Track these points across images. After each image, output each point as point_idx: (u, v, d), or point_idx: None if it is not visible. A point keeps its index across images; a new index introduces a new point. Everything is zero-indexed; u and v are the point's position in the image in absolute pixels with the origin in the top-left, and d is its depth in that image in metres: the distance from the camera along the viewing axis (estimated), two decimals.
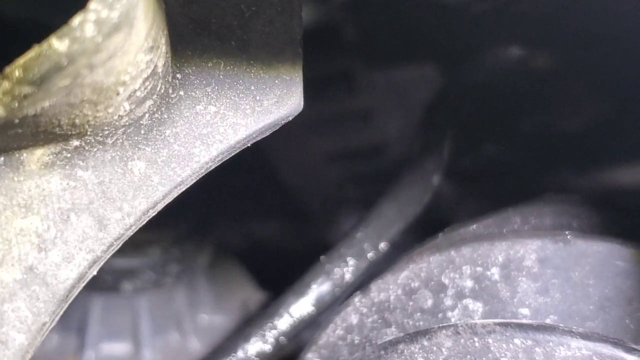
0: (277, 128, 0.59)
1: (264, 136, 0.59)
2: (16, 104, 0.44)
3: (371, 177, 1.06)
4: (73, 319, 0.99)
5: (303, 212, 1.37)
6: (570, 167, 1.17)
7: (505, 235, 0.70)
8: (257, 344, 0.73)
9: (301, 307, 0.74)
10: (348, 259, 0.76)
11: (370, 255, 0.77)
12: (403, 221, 0.80)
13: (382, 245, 0.77)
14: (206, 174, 1.15)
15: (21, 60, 0.43)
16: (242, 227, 1.45)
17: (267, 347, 0.73)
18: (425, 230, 0.85)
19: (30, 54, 0.42)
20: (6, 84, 0.43)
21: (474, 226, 0.79)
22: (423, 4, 1.06)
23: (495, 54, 1.04)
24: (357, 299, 0.67)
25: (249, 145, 0.59)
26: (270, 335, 0.73)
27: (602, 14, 0.86)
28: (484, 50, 1.05)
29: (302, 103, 0.59)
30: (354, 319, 0.67)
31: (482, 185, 1.27)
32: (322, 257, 0.76)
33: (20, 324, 0.50)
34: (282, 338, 0.73)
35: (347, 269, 0.75)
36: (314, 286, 0.74)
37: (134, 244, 0.97)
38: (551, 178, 1.15)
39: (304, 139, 1.24)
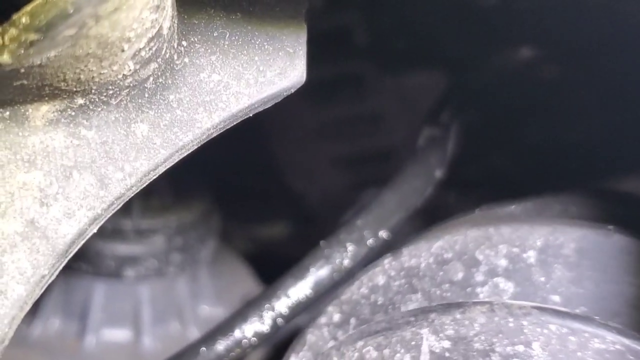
0: (279, 100, 0.60)
1: (265, 107, 0.60)
2: (22, 52, 0.45)
3: (379, 182, 1.06)
4: (75, 304, 1.00)
5: (310, 216, 1.38)
6: (576, 178, 1.18)
7: (545, 220, 0.70)
8: (254, 325, 0.73)
9: (299, 290, 0.74)
10: (347, 244, 0.76)
11: (369, 242, 0.77)
12: (404, 211, 0.81)
13: (382, 234, 0.78)
14: (214, 173, 1.17)
15: (28, 7, 0.44)
16: (248, 229, 1.46)
17: (265, 328, 0.73)
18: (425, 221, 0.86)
19: (38, 0, 0.44)
20: (13, 31, 0.45)
21: (513, 207, 0.78)
22: (434, 8, 1.07)
23: (503, 58, 1.05)
24: (387, 261, 0.67)
25: (250, 115, 0.60)
26: (268, 317, 0.73)
27: (612, 23, 0.87)
28: (492, 54, 1.06)
29: (304, 76, 0.60)
30: (380, 280, 0.67)
31: (487, 194, 1.27)
32: (321, 242, 0.76)
33: (19, 275, 0.51)
34: (279, 320, 0.74)
35: (346, 255, 0.76)
36: (312, 270, 0.75)
37: (138, 231, 0.98)
38: (557, 189, 1.15)
39: (312, 143, 1.25)
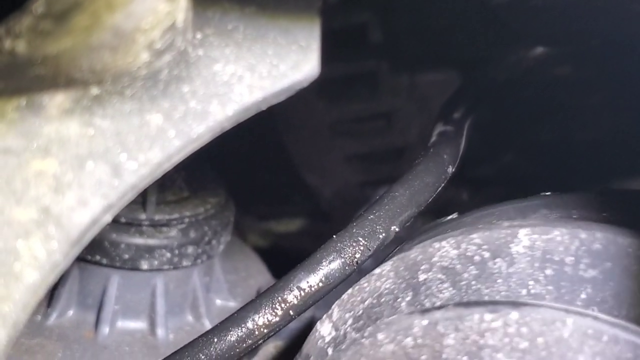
0: (292, 93, 0.61)
1: (279, 100, 0.61)
2: (38, 41, 0.46)
3: (392, 179, 1.07)
4: (90, 295, 1.00)
5: (323, 212, 1.39)
6: (587, 178, 1.18)
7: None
8: (266, 317, 0.74)
9: (311, 282, 0.75)
10: (359, 239, 0.77)
11: (381, 236, 0.78)
12: (415, 207, 0.81)
13: (394, 228, 0.79)
14: (229, 168, 1.18)
15: None
16: (262, 224, 1.46)
17: (276, 320, 0.74)
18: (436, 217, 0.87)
19: None
20: (30, 20, 0.45)
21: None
22: (448, 7, 1.08)
23: (516, 57, 1.06)
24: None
25: (264, 108, 0.61)
26: (279, 309, 0.74)
27: (625, 22, 0.87)
28: (506, 53, 1.06)
29: (317, 69, 0.61)
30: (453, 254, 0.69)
31: (499, 192, 1.28)
32: (334, 236, 0.77)
33: (34, 261, 0.52)
34: (291, 312, 0.74)
35: (358, 249, 0.77)
36: (324, 263, 0.75)
37: (153, 223, 0.99)
38: (569, 187, 1.15)
39: (326, 140, 1.26)
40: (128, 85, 0.54)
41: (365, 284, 0.72)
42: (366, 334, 0.66)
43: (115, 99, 0.55)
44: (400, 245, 0.80)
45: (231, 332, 0.74)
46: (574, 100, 1.09)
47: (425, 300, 0.68)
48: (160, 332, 1.00)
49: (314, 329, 0.74)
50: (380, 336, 0.63)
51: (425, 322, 0.61)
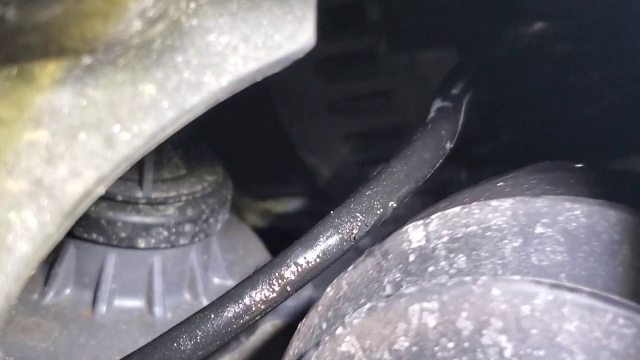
0: (288, 64, 0.60)
1: (274, 71, 0.60)
2: (28, 8, 0.45)
3: (391, 158, 1.06)
4: (87, 274, 1.00)
5: (322, 192, 1.38)
6: (587, 156, 1.17)
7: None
8: (263, 293, 0.73)
9: (308, 258, 0.74)
10: (357, 214, 0.76)
11: (379, 212, 0.77)
12: (413, 182, 0.80)
13: (391, 204, 0.78)
14: (227, 147, 1.17)
15: None
16: (259, 204, 1.46)
17: (273, 296, 0.73)
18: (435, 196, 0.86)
19: None
20: None
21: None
22: None
23: (516, 34, 1.05)
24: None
25: (259, 79, 0.60)
26: (277, 285, 0.73)
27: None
28: (505, 30, 1.06)
29: (313, 40, 0.60)
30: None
31: (498, 171, 1.27)
32: (331, 212, 0.76)
33: (26, 232, 0.51)
34: (288, 288, 0.74)
35: (355, 224, 0.76)
36: (321, 239, 0.75)
37: (149, 201, 0.98)
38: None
39: (324, 118, 1.25)
40: (121, 54, 0.54)
41: (476, 211, 0.69)
42: (455, 266, 0.64)
43: (107, 68, 0.54)
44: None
45: (228, 308, 0.73)
46: (574, 76, 1.08)
47: (533, 255, 0.64)
48: (157, 310, 1.00)
49: (404, 229, 0.72)
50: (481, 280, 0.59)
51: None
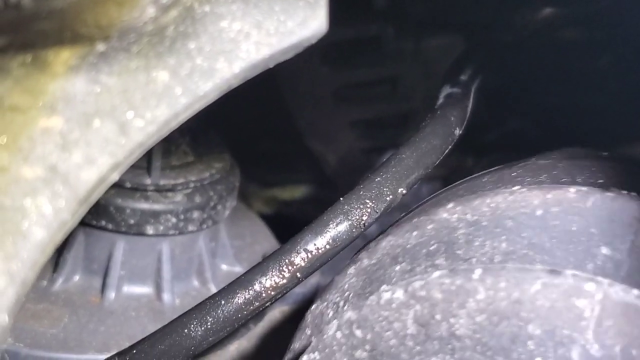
0: (300, 50, 0.60)
1: (286, 57, 0.60)
2: None
3: (397, 146, 1.06)
4: (95, 260, 1.00)
5: (328, 179, 1.38)
6: (594, 143, 1.17)
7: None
8: (273, 279, 0.74)
9: (318, 245, 0.74)
10: (367, 201, 0.76)
11: (388, 199, 0.77)
12: (423, 169, 0.80)
13: (401, 190, 0.78)
14: (234, 135, 1.17)
15: None
16: (266, 192, 1.46)
17: (283, 282, 0.74)
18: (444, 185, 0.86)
19: None
20: None
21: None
22: None
23: (523, 20, 1.05)
24: None
25: (272, 66, 0.60)
26: (287, 271, 0.74)
27: None
28: (512, 15, 1.05)
29: (325, 26, 0.60)
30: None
31: (505, 158, 1.27)
32: (341, 199, 0.77)
33: (41, 219, 0.52)
34: (298, 274, 0.74)
35: (365, 211, 0.76)
36: (331, 225, 0.75)
37: (158, 188, 0.98)
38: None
39: (331, 106, 1.25)
40: (134, 41, 0.54)
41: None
42: None
43: (121, 55, 0.54)
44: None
45: (238, 295, 0.73)
46: (581, 63, 1.08)
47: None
48: (166, 297, 1.00)
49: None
50: None
51: None
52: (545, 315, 0.55)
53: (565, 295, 0.55)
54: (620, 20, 0.96)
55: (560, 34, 1.06)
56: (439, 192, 0.82)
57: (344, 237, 0.75)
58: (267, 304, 0.74)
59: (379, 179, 0.78)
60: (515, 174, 0.78)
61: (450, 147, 0.84)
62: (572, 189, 0.67)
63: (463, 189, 0.78)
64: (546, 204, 0.67)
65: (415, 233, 0.71)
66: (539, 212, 0.66)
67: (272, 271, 0.74)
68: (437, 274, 0.60)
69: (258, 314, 0.81)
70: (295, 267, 0.74)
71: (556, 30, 1.05)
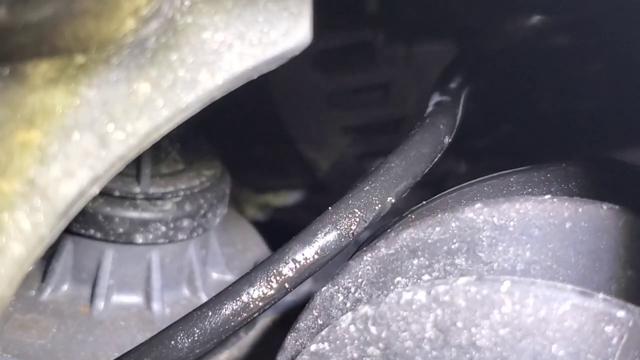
0: (284, 61, 0.59)
1: (270, 69, 0.59)
2: (19, 8, 0.45)
3: (390, 151, 1.06)
4: (84, 270, 1.00)
5: (320, 185, 1.38)
6: (586, 149, 1.17)
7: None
8: (261, 289, 0.73)
9: (306, 254, 0.74)
10: (355, 210, 0.76)
11: (377, 208, 0.77)
12: (412, 178, 0.80)
13: (390, 199, 0.77)
14: (225, 141, 1.16)
15: None
16: (258, 197, 1.46)
17: (271, 293, 0.73)
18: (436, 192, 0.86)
19: None
20: None
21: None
22: None
23: (514, 26, 1.04)
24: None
25: (255, 77, 0.59)
26: (275, 282, 0.73)
27: None
28: (503, 22, 1.05)
29: (309, 37, 0.59)
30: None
31: (497, 164, 1.26)
32: (329, 208, 0.76)
33: (19, 234, 0.51)
34: (286, 284, 0.73)
35: (354, 220, 0.75)
36: (320, 235, 0.74)
37: (147, 196, 0.98)
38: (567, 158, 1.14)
39: (322, 111, 1.25)
40: (114, 53, 0.53)
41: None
42: None
43: (101, 67, 0.53)
44: None
45: (226, 306, 0.73)
46: (572, 69, 1.08)
47: None
48: (156, 306, 1.00)
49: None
50: None
51: None
52: (571, 337, 0.54)
53: (594, 319, 0.54)
54: (610, 27, 0.96)
55: (551, 41, 1.06)
56: (463, 185, 0.81)
57: (333, 246, 0.74)
58: (256, 314, 0.73)
59: (367, 188, 0.77)
60: (544, 177, 0.77)
61: (439, 155, 0.84)
62: (605, 206, 0.66)
63: (489, 186, 0.78)
64: (576, 218, 0.66)
65: (438, 229, 0.70)
66: (568, 225, 0.65)
67: (260, 282, 0.73)
68: (463, 280, 0.59)
69: (248, 324, 0.81)
70: (283, 277, 0.73)
71: (547, 37, 1.05)
